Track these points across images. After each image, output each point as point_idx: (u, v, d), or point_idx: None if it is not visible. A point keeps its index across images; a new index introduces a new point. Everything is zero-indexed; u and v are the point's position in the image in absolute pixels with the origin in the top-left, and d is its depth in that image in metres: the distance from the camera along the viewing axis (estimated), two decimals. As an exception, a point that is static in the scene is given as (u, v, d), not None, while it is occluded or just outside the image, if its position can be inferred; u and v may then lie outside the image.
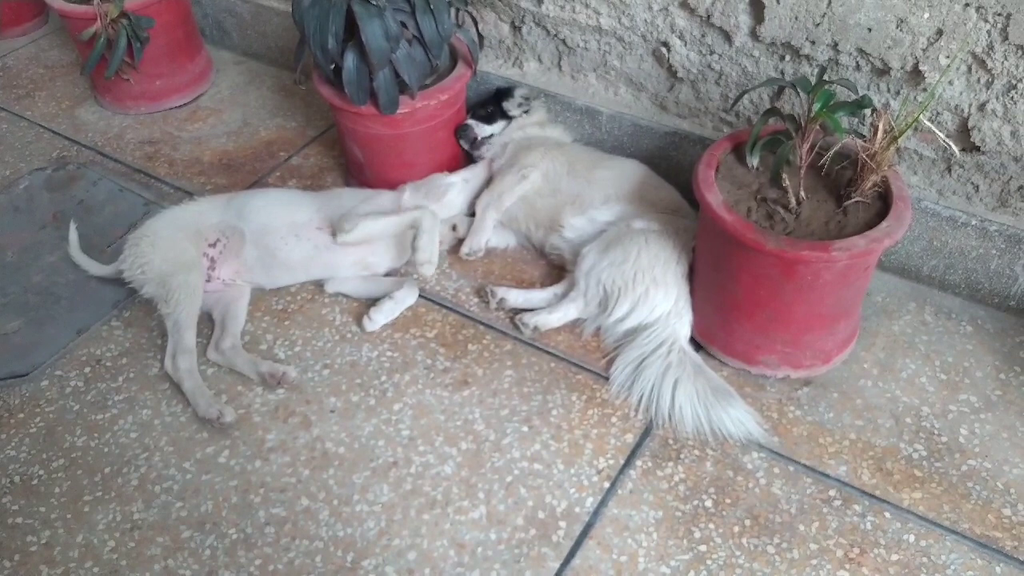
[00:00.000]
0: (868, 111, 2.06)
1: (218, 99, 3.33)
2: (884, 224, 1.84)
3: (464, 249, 2.45)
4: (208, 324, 2.31)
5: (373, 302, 2.34)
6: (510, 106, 2.68)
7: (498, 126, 2.68)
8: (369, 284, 2.41)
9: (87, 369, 2.25)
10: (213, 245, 2.33)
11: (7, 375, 2.23)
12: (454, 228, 2.54)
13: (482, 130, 2.67)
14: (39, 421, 2.13)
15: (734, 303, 2.03)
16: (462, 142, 2.69)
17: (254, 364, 2.18)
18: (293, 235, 2.35)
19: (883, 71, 2.13)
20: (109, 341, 2.32)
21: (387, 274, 2.45)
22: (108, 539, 1.87)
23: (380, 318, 2.30)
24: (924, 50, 2.03)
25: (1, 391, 2.20)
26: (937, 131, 1.90)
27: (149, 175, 2.94)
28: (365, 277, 2.42)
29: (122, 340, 2.32)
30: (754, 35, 2.26)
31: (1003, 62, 1.96)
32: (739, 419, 1.99)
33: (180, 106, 3.28)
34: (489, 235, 2.48)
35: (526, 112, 2.68)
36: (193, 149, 3.05)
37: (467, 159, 2.75)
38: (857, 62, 2.15)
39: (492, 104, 2.70)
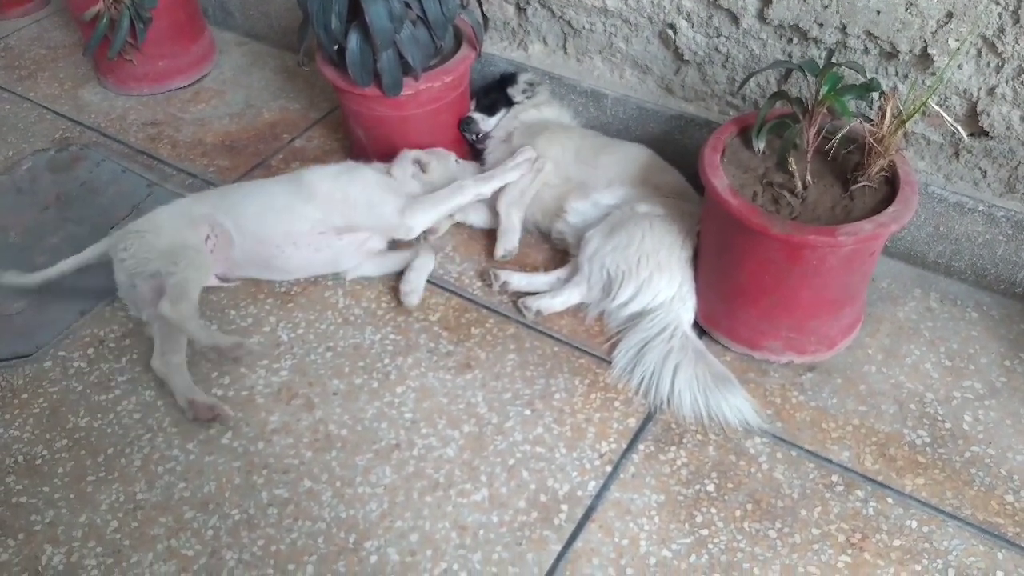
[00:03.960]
0: (876, 95, 2.04)
1: (221, 80, 3.31)
2: (891, 209, 1.83)
3: (498, 252, 2.41)
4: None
5: (396, 276, 2.38)
6: (514, 92, 2.66)
7: (501, 114, 2.67)
8: (385, 260, 2.41)
9: (90, 350, 2.25)
10: (205, 240, 2.28)
11: (11, 355, 2.23)
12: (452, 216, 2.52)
13: (487, 123, 2.66)
14: (42, 401, 2.13)
15: (739, 288, 2.02)
16: (467, 135, 2.67)
17: (191, 390, 2.06)
18: (291, 244, 2.30)
19: (891, 54, 2.11)
20: (112, 322, 2.32)
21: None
22: (111, 519, 1.88)
23: (412, 288, 2.30)
24: (933, 33, 2.01)
25: (5, 371, 2.21)
26: (945, 115, 1.88)
27: (152, 156, 2.93)
28: (378, 254, 2.40)
29: (125, 321, 2.32)
30: (762, 17, 2.24)
31: (1014, 45, 1.94)
32: (737, 407, 1.98)
33: (183, 87, 3.26)
34: (519, 234, 2.45)
35: (529, 98, 2.66)
36: (196, 131, 3.04)
37: (470, 148, 2.74)
38: (865, 45, 2.13)
39: (496, 91, 2.68)
